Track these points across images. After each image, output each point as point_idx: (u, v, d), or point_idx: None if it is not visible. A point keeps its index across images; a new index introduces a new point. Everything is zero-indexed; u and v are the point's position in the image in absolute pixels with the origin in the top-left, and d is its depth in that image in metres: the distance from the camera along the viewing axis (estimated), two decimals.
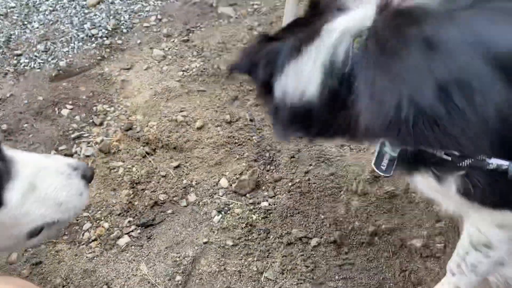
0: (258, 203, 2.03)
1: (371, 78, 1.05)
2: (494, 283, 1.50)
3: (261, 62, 1.27)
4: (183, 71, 2.76)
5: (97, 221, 2.04)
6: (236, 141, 2.33)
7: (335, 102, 1.16)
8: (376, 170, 1.23)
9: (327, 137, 1.37)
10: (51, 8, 3.27)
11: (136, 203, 2.09)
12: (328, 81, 1.14)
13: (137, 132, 2.38)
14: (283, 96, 1.24)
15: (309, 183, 2.10)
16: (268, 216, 1.98)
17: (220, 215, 1.99)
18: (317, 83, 1.16)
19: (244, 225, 1.94)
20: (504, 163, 1.01)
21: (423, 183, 1.22)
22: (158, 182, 2.16)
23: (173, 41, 2.98)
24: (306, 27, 1.21)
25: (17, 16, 3.21)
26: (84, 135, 2.40)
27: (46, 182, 1.02)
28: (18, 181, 0.96)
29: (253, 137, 2.34)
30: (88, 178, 1.11)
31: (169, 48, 2.93)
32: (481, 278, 1.46)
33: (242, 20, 3.13)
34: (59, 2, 3.32)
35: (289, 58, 1.20)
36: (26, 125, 2.45)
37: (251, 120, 2.43)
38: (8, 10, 3.28)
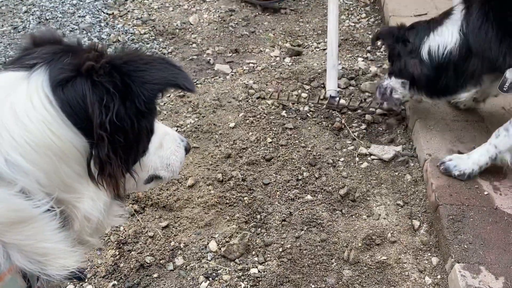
0: (247, 270, 1.98)
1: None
2: None
3: (407, 34, 2.36)
4: (177, 126, 2.77)
5: (81, 283, 1.96)
6: (227, 201, 2.31)
7: (467, 52, 2.10)
8: (499, 91, 2.06)
9: (459, 86, 2.24)
10: None
11: (121, 265, 2.02)
12: (462, 38, 2.10)
13: None
14: (429, 54, 2.23)
15: (300, 250, 2.06)
16: (257, 284, 1.92)
17: (208, 282, 1.93)
18: (454, 40, 2.13)
19: None
20: None
21: None
22: (145, 243, 2.11)
23: (169, 96, 3.01)
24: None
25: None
26: None
27: (167, 145, 1.27)
28: (155, 136, 1.17)
29: (245, 198, 2.32)
30: (187, 150, 1.36)
31: (164, 103, 2.95)
32: None
33: (237, 78, 3.18)
34: None
35: (431, 29, 2.24)
36: None
37: (243, 180, 2.42)
38: (7, 59, 3.32)
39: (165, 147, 1.27)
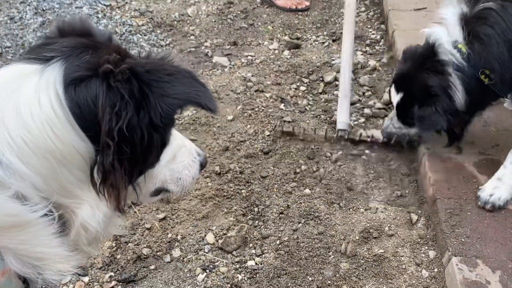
0: (245, 262, 1.98)
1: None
2: None
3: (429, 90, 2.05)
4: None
5: (77, 274, 1.95)
6: (225, 194, 2.30)
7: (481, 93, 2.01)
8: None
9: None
10: None
11: (118, 256, 2.02)
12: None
13: None
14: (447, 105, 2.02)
15: (297, 242, 2.06)
16: (255, 276, 1.92)
17: (205, 274, 1.93)
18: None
19: (229, 285, 1.88)
20: None
21: None
22: (143, 235, 2.10)
23: None
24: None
25: (12, 56, 3.22)
26: None
27: (181, 158, 1.20)
28: (169, 148, 1.11)
29: (242, 191, 2.32)
30: (203, 166, 1.29)
31: None
32: None
33: (236, 71, 3.17)
34: None
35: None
36: None
37: (240, 173, 2.41)
38: (3, 50, 3.29)
39: (178, 160, 1.19)
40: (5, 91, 0.86)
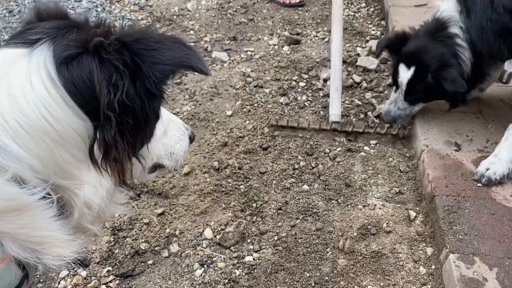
0: (242, 257, 1.98)
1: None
2: None
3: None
4: (174, 113, 2.75)
5: (74, 269, 1.96)
6: (223, 189, 2.30)
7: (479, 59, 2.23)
8: (499, 81, 2.24)
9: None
10: None
11: (116, 251, 2.02)
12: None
13: None
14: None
15: (295, 238, 2.06)
16: (252, 272, 1.92)
17: (203, 269, 1.93)
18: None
19: (226, 281, 1.88)
20: None
21: None
22: (141, 230, 2.10)
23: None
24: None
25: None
26: None
27: (171, 132, 1.23)
28: (160, 122, 1.12)
29: (241, 186, 2.32)
30: (192, 139, 1.31)
31: None
32: None
33: (235, 66, 3.16)
34: None
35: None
36: None
37: (239, 168, 2.41)
38: (2, 43, 3.27)
39: (169, 134, 1.22)
40: None
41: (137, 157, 1.05)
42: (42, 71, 0.86)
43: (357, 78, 3.03)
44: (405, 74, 2.36)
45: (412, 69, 2.32)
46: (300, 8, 3.85)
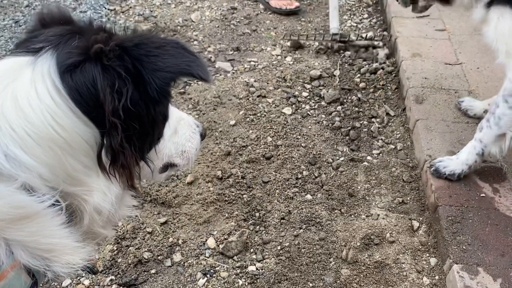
0: (245, 267, 1.98)
1: None
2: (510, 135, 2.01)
3: None
4: None
5: (78, 277, 1.96)
6: (226, 198, 2.30)
7: None
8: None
9: None
10: None
11: (119, 260, 2.02)
12: None
13: None
14: None
15: (298, 248, 2.06)
16: (255, 281, 1.92)
17: (205, 279, 1.93)
18: None
19: None
20: None
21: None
22: (144, 239, 2.10)
23: None
24: None
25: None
26: None
27: (182, 131, 1.22)
28: (170, 122, 1.12)
29: (244, 195, 2.32)
30: (203, 136, 1.30)
31: None
32: (500, 131, 1.98)
33: (238, 76, 3.18)
34: None
35: None
36: None
37: (242, 178, 2.41)
38: (8, 53, 3.31)
39: (180, 133, 1.21)
40: None
41: (145, 161, 1.05)
42: (47, 79, 0.87)
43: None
44: None
45: None
46: (303, 19, 3.88)
